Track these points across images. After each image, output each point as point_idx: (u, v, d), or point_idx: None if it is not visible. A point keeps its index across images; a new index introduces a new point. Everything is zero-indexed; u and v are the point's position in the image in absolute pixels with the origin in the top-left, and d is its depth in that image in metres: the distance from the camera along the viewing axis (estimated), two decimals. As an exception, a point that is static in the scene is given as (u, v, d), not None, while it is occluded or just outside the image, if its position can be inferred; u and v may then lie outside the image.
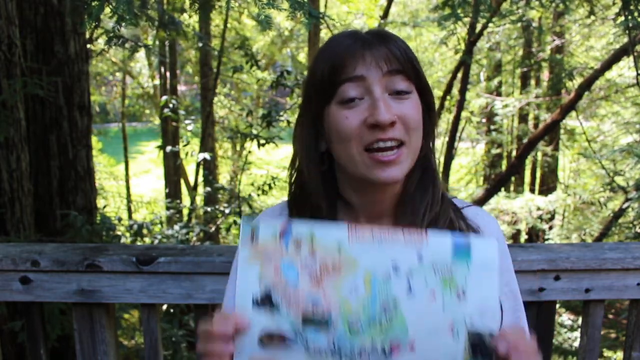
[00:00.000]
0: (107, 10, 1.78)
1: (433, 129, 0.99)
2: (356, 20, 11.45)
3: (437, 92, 8.94)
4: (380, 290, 0.80)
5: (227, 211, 5.08)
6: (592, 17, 5.07)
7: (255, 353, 0.83)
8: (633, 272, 1.47)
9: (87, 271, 1.42)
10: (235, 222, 4.88)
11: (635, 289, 1.48)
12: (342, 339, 0.81)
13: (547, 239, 8.13)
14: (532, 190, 9.72)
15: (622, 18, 3.01)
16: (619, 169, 5.68)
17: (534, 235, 8.80)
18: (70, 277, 1.43)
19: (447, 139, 7.32)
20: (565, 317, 7.36)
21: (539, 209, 7.64)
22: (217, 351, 0.82)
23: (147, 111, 13.83)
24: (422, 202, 0.95)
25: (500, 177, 7.55)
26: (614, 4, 3.35)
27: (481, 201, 6.88)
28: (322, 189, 0.96)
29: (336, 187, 0.99)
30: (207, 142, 7.47)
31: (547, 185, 9.59)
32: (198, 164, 5.99)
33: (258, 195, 4.84)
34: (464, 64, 6.40)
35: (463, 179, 11.27)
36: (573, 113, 6.38)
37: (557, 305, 2.28)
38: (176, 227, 4.96)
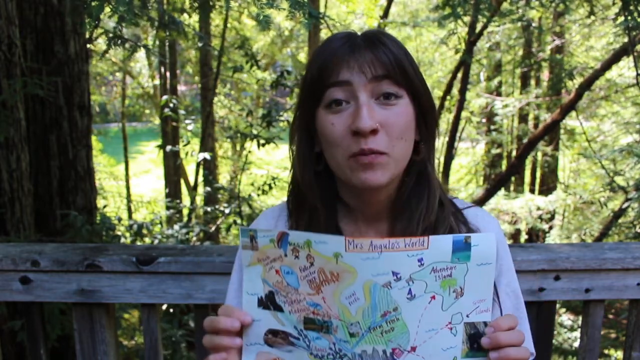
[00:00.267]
0: (107, 10, 1.78)
1: (431, 132, 0.96)
2: (356, 21, 11.44)
3: (437, 92, 8.96)
4: (381, 298, 0.79)
5: (227, 211, 5.08)
6: (592, 17, 5.06)
7: (262, 350, 0.85)
8: (633, 272, 1.47)
9: (87, 271, 1.42)
10: (235, 222, 4.88)
11: (635, 289, 1.48)
12: (343, 342, 0.81)
13: (547, 239, 8.12)
14: (532, 190, 9.72)
15: (622, 18, 3.00)
16: (619, 169, 5.67)
17: (534, 235, 8.79)
18: (70, 277, 1.43)
19: (447, 139, 7.31)
20: (565, 317, 7.35)
21: (539, 209, 7.62)
22: (224, 345, 0.84)
23: (147, 111, 13.84)
24: (417, 208, 0.93)
25: (500, 177, 7.54)
26: (614, 4, 3.35)
27: (481, 201, 6.88)
28: (317, 190, 0.96)
29: (335, 187, 0.99)
30: (207, 142, 7.48)
31: (547, 185, 9.58)
32: (198, 164, 5.99)
33: (258, 195, 4.85)
34: (464, 64, 6.40)
35: (463, 179, 11.27)
36: (573, 113, 6.37)
37: (557, 305, 2.28)
38: (176, 227, 4.96)
